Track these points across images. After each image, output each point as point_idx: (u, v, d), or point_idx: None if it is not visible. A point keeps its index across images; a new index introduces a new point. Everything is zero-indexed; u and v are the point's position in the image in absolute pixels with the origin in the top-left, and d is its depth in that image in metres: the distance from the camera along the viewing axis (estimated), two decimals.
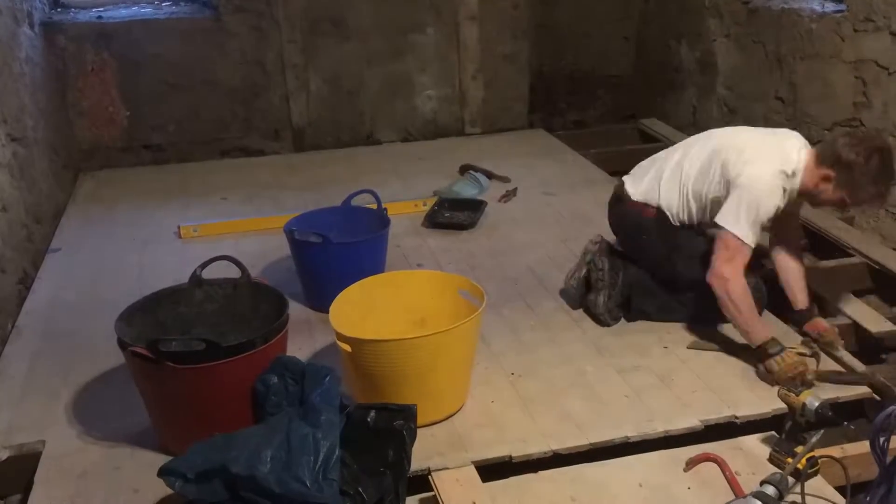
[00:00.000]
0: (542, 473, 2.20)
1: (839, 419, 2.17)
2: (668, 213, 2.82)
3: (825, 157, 2.57)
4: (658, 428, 2.34)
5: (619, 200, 2.98)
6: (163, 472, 1.94)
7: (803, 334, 2.76)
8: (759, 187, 2.56)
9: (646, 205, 2.86)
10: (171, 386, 2.18)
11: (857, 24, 3.61)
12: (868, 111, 3.61)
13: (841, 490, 2.06)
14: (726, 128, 2.95)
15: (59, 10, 4.74)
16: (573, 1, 5.27)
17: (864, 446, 2.04)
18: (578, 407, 2.45)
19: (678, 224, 2.82)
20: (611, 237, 3.06)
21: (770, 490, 1.95)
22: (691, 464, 2.19)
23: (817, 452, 2.12)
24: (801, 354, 2.54)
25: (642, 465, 2.22)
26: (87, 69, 4.52)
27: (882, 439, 1.84)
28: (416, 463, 2.13)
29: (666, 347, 2.76)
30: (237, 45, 4.69)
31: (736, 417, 2.39)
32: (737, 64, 4.54)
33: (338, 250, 2.93)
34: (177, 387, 2.17)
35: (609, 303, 2.86)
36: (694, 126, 4.99)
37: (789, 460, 2.12)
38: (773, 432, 2.31)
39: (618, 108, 5.57)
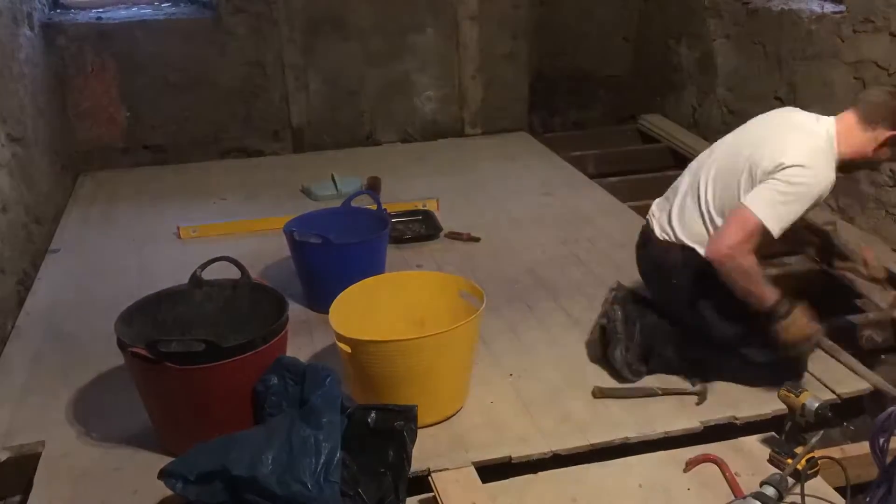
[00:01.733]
0: (541, 474, 2.20)
1: (839, 420, 2.17)
2: (695, 248, 2.43)
3: (877, 116, 2.34)
4: (658, 429, 2.34)
5: (647, 241, 2.62)
6: (163, 475, 1.93)
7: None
8: (805, 173, 2.26)
9: (670, 244, 2.50)
10: (171, 387, 2.18)
11: (856, 24, 3.62)
12: None
13: (841, 491, 2.06)
14: (729, 135, 2.58)
15: (58, 10, 4.74)
16: (573, 1, 5.27)
17: (863, 447, 2.04)
18: (578, 408, 2.45)
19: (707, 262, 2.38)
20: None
21: (770, 491, 1.95)
22: (691, 465, 2.19)
23: (817, 453, 2.12)
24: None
25: (642, 466, 2.22)
26: (86, 70, 4.52)
27: (882, 440, 1.84)
28: (416, 464, 2.13)
29: None
30: (237, 45, 4.69)
31: (735, 418, 2.39)
32: (737, 64, 4.54)
33: (338, 251, 2.93)
34: (176, 387, 2.17)
35: (628, 356, 2.52)
36: (694, 126, 5.00)
37: (789, 461, 2.12)
38: (773, 433, 2.31)
39: (618, 108, 5.57)
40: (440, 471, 2.18)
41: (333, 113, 4.96)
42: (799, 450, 2.12)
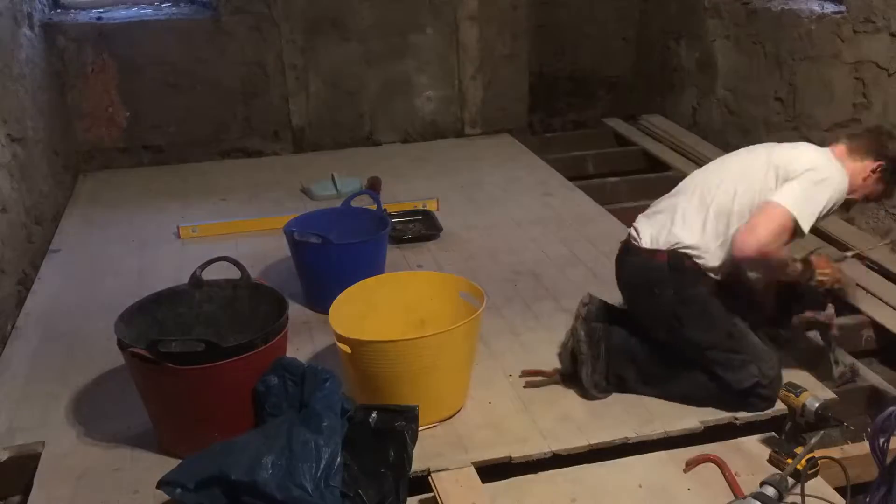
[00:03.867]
0: (541, 474, 2.20)
1: (839, 420, 2.17)
2: (685, 252, 2.38)
3: (868, 150, 2.43)
4: (658, 429, 2.34)
5: (627, 251, 2.54)
6: (162, 484, 1.93)
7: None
8: (825, 169, 2.33)
9: (655, 250, 2.42)
10: (171, 387, 2.18)
11: (856, 24, 3.62)
12: (868, 112, 3.61)
13: (841, 491, 2.06)
14: (741, 150, 2.61)
15: (59, 10, 4.74)
16: (573, 1, 5.27)
17: (863, 447, 2.04)
18: (578, 408, 2.45)
19: (698, 268, 2.37)
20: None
21: (770, 491, 1.95)
22: (691, 465, 2.19)
23: (817, 453, 2.12)
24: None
25: (642, 466, 2.22)
26: (87, 70, 4.52)
27: (882, 440, 1.83)
28: (416, 464, 2.13)
29: None
30: (237, 45, 4.69)
31: (736, 418, 2.39)
32: (736, 65, 4.54)
33: (338, 251, 2.93)
34: (176, 388, 2.17)
35: (594, 375, 2.45)
36: (694, 126, 5.00)
37: (789, 461, 2.12)
38: (773, 433, 2.31)
39: (618, 109, 5.57)
40: (440, 471, 2.18)
41: (333, 113, 4.96)
42: (799, 450, 2.12)
